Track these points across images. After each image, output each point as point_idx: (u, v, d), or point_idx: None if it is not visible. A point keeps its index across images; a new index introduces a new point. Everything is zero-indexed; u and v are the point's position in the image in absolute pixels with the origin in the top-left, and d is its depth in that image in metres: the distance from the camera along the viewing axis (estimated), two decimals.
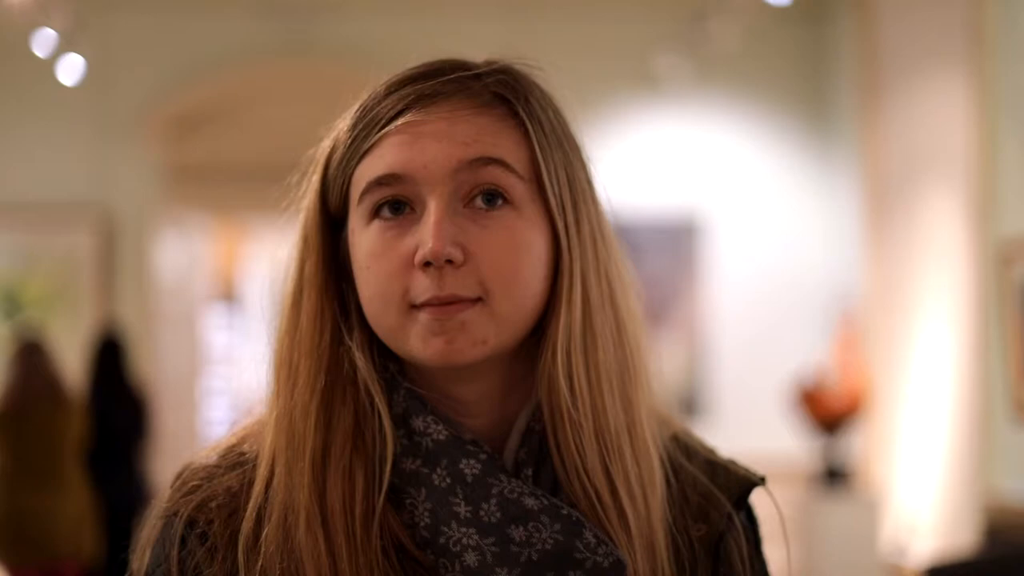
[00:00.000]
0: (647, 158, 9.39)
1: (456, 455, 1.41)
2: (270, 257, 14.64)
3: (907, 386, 7.58)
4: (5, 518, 6.68)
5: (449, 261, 1.37)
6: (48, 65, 7.88)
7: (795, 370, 8.68)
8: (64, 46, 7.43)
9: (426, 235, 1.38)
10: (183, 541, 1.43)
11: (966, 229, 6.77)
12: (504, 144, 1.44)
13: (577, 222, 1.47)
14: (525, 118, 1.47)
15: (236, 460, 1.48)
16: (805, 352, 9.20)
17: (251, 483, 1.44)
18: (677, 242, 9.34)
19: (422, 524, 1.40)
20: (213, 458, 1.50)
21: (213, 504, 1.44)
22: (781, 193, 9.47)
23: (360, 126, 1.49)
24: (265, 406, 1.50)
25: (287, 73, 9.16)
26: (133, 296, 8.97)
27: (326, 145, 1.55)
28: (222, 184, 9.16)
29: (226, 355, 13.20)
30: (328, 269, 1.49)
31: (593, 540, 1.39)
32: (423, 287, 1.39)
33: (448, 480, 1.40)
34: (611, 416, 1.46)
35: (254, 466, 1.46)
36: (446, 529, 1.39)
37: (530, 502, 1.39)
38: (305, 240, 1.52)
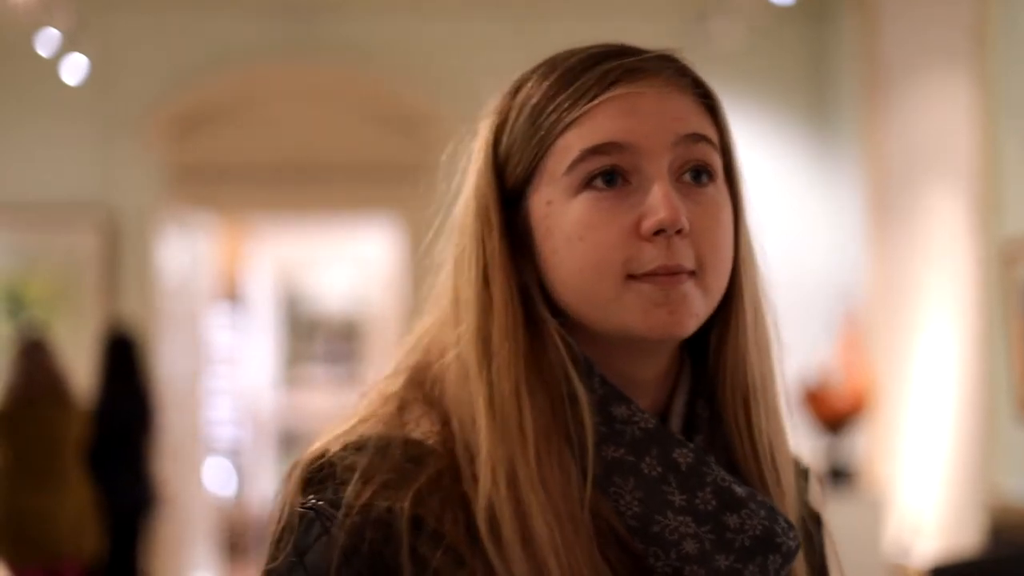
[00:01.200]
0: None
1: (668, 444, 1.41)
2: (273, 256, 14.68)
3: (911, 385, 7.59)
4: (6, 517, 6.72)
5: (679, 231, 1.38)
6: (51, 65, 7.89)
7: (798, 369, 8.69)
8: (67, 46, 7.44)
9: (656, 204, 1.38)
10: (412, 543, 1.34)
11: (969, 228, 6.77)
12: (706, 124, 1.47)
13: (744, 204, 1.52)
14: (714, 102, 1.50)
15: (416, 451, 1.41)
16: (808, 351, 9.20)
17: (453, 473, 1.39)
18: None
19: (630, 513, 1.39)
20: (369, 448, 1.41)
21: (433, 498, 1.37)
22: (783, 192, 9.47)
23: (563, 96, 1.46)
24: (387, 388, 1.48)
25: (290, 73, 9.16)
26: (136, 295, 8.97)
27: (492, 120, 1.55)
28: (225, 183, 9.18)
29: (229, 355, 13.21)
30: (511, 246, 1.47)
31: (785, 524, 1.43)
32: (650, 256, 1.38)
33: (659, 469, 1.40)
34: (775, 395, 1.52)
35: (444, 454, 1.40)
36: (660, 518, 1.38)
37: (739, 490, 1.41)
38: (483, 217, 1.50)
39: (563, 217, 1.43)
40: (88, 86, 8.83)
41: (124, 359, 7.70)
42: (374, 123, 9.22)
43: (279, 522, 1.41)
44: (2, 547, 6.70)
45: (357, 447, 1.41)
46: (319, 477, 1.41)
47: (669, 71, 1.46)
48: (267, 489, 12.60)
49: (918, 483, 7.43)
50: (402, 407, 1.46)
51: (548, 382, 1.41)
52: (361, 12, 9.23)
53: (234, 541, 11.61)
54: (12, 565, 6.70)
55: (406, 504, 1.35)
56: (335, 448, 1.42)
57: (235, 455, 13.03)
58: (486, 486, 1.36)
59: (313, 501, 1.39)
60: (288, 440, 13.29)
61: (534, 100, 1.50)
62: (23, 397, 6.90)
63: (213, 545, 9.25)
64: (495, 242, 1.47)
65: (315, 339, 15.20)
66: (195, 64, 9.15)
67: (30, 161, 9.07)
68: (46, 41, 7.28)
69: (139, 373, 7.78)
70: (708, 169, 1.45)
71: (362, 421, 1.46)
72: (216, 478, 9.96)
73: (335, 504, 1.37)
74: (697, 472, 1.40)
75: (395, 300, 9.77)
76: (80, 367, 7.91)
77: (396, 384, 1.50)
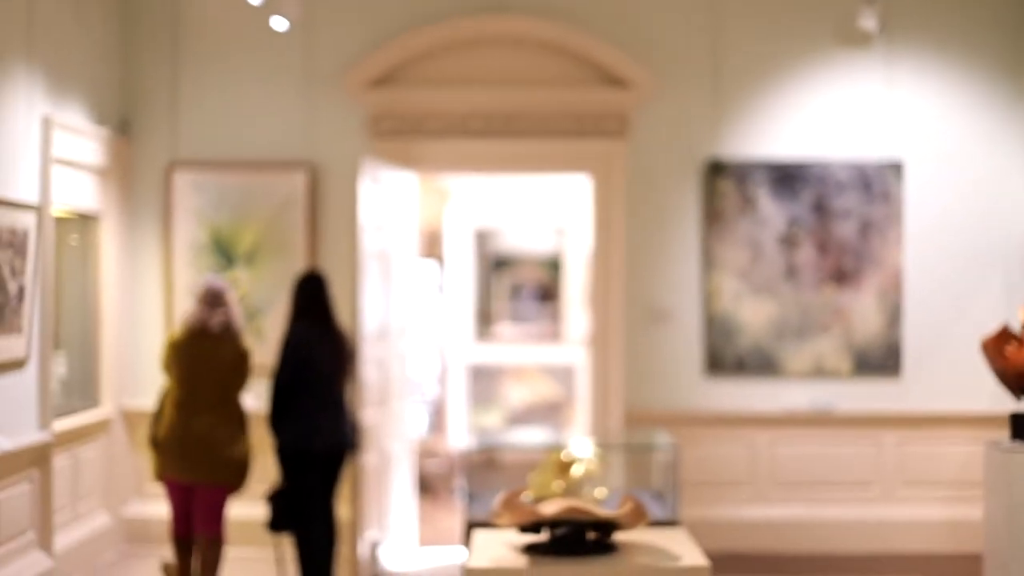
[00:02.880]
0: (849, 108, 9.45)
1: None
2: (469, 210, 14.93)
3: None
4: (177, 438, 7.67)
5: None
6: (261, 34, 8.26)
7: (991, 323, 8.69)
8: (274, 7, 7.82)
9: None
10: None
11: None
12: None
13: None
14: None
15: None
16: (1003, 306, 9.21)
17: None
18: (874, 189, 9.37)
19: None
20: None
21: None
22: (978, 143, 9.45)
23: None
24: None
25: (487, 29, 9.38)
26: (339, 247, 9.30)
27: None
28: (423, 139, 9.40)
29: (427, 305, 13.44)
30: None
31: None
32: None
33: None
34: None
35: None
36: None
37: None
38: None
39: None
40: (293, 48, 9.22)
41: (315, 294, 7.97)
42: (570, 79, 9.37)
43: None
44: (169, 462, 7.70)
45: None
46: None
47: None
48: (460, 434, 12.94)
49: None
50: None
51: None
52: None
53: (428, 483, 11.95)
54: (173, 479, 7.73)
55: None
56: None
57: (432, 402, 13.33)
58: None
59: None
60: (482, 389, 13.57)
61: None
62: (196, 331, 7.80)
63: (410, 486, 9.50)
64: None
65: (509, 291, 15.44)
66: (393, 22, 9.41)
67: (241, 121, 9.46)
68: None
69: (330, 314, 7.99)
70: None
71: None
72: (414, 422, 10.28)
73: None
74: None
75: (590, 255, 9.91)
76: (283, 313, 8.27)
77: None
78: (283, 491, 7.82)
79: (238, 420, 7.81)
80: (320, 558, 7.84)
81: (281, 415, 7.77)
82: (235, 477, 7.75)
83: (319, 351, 7.84)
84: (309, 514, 7.82)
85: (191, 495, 7.78)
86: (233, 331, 7.85)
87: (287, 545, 8.15)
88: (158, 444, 7.78)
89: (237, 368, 7.82)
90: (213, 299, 7.87)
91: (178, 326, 8.09)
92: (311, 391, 7.78)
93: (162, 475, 7.80)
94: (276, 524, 7.83)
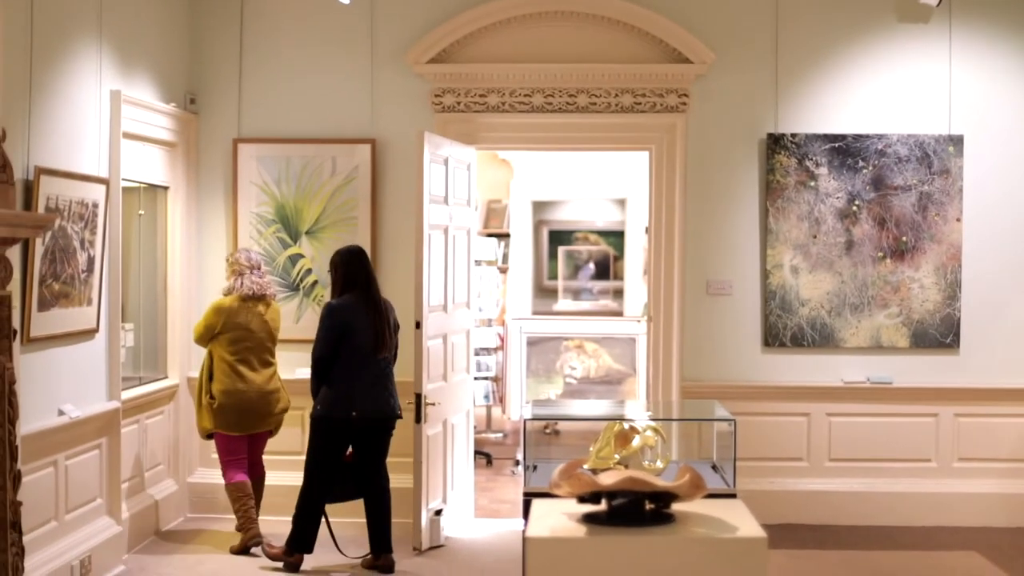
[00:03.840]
0: (909, 82, 9.44)
1: None
2: (531, 185, 14.96)
3: None
4: (240, 394, 8.54)
5: None
6: (323, 6, 8.31)
7: None
8: None
9: None
10: None
11: None
12: None
13: None
14: None
15: None
16: None
17: None
18: (934, 163, 9.36)
19: None
20: None
21: None
22: None
23: None
24: None
25: (546, 5, 9.40)
26: (401, 221, 9.40)
27: None
28: (484, 114, 9.47)
29: (489, 280, 13.49)
30: None
31: None
32: None
33: None
34: None
35: None
36: None
37: None
38: None
39: None
40: (356, 24, 9.30)
41: (357, 271, 8.13)
42: (631, 54, 9.39)
43: None
44: (225, 417, 8.55)
45: None
46: None
47: None
48: (521, 406, 13.02)
49: None
50: None
51: None
52: None
53: (486, 453, 12.04)
54: (227, 431, 8.54)
55: None
56: None
57: (493, 375, 13.40)
58: None
59: None
60: (542, 361, 13.62)
61: None
62: (256, 296, 8.65)
63: (471, 457, 9.58)
64: None
65: (570, 265, 15.48)
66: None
67: (305, 96, 9.57)
68: None
69: (372, 286, 8.15)
70: None
71: None
72: (475, 395, 10.36)
73: None
74: None
75: (650, 229, 9.93)
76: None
77: None
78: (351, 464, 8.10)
79: (277, 374, 8.78)
80: (376, 523, 8.12)
81: (319, 385, 8.04)
82: (280, 424, 8.86)
83: (359, 323, 8.01)
84: (360, 481, 8.14)
85: (251, 443, 8.71)
86: (272, 295, 8.78)
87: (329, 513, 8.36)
88: (219, 402, 8.50)
89: (278, 328, 8.77)
90: (259, 268, 8.75)
91: (223, 293, 8.77)
92: (349, 361, 8.00)
93: (229, 429, 8.55)
94: (334, 496, 8.19)
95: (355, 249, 8.24)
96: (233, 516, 8.65)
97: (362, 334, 8.00)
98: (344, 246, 8.37)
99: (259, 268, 8.75)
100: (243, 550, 8.51)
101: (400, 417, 8.21)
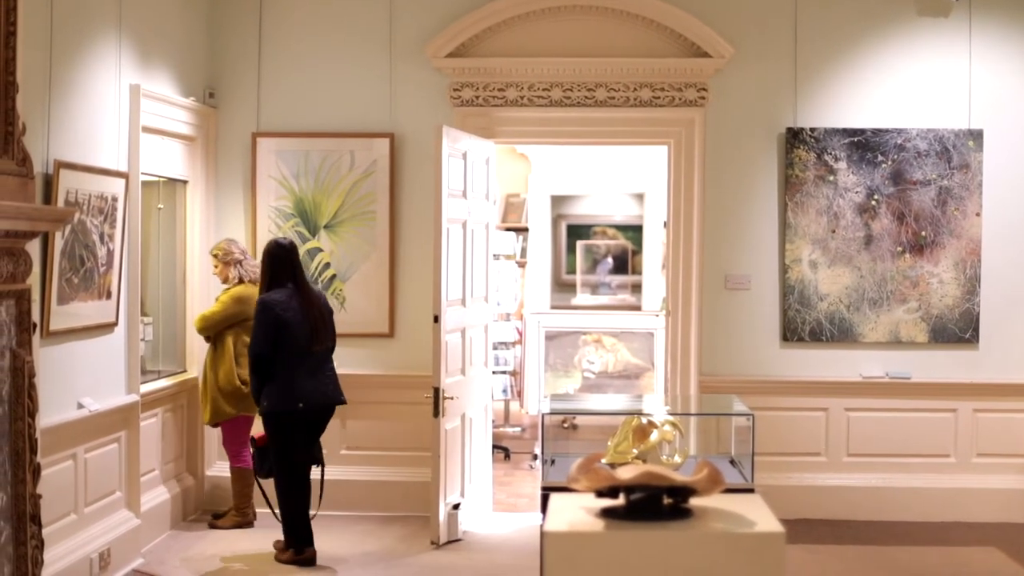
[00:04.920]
0: (929, 77, 9.41)
1: None
2: (549, 180, 14.95)
3: None
4: (235, 386, 8.86)
5: None
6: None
7: None
8: None
9: None
10: None
11: None
12: None
13: None
14: None
15: None
16: None
17: None
18: (953, 158, 9.34)
19: None
20: None
21: None
22: None
23: None
24: None
25: (565, 2, 9.39)
26: (419, 215, 9.41)
27: None
28: (502, 108, 9.47)
29: (507, 274, 13.49)
30: None
31: None
32: None
33: None
34: None
35: None
36: None
37: None
38: None
39: None
40: (375, 18, 9.30)
41: (283, 265, 8.13)
42: (650, 49, 9.38)
43: None
44: (233, 402, 8.89)
45: None
46: None
47: None
48: (539, 400, 13.02)
49: None
50: None
51: None
52: None
53: (504, 447, 12.06)
54: (233, 415, 8.94)
55: None
56: None
57: (511, 368, 13.41)
58: None
59: None
60: (560, 355, 13.62)
61: None
62: (248, 283, 8.95)
63: (489, 451, 9.59)
64: None
65: (588, 259, 15.49)
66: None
67: (324, 91, 9.59)
68: None
69: (300, 279, 8.17)
70: None
71: None
72: (493, 389, 10.36)
73: None
74: None
75: (668, 223, 9.92)
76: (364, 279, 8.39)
77: None
78: (266, 446, 8.23)
79: None
80: (305, 495, 8.25)
81: (262, 381, 8.06)
82: None
83: (294, 316, 8.03)
84: (294, 463, 8.16)
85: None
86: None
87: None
88: (236, 389, 8.83)
89: None
90: (247, 255, 9.05)
91: (230, 284, 8.99)
92: (289, 355, 8.02)
93: (242, 414, 8.91)
94: (261, 471, 8.28)
95: (284, 242, 8.26)
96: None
97: (297, 327, 8.02)
98: (272, 239, 8.39)
99: (247, 255, 9.03)
100: (232, 527, 9.00)
101: (344, 403, 8.33)
